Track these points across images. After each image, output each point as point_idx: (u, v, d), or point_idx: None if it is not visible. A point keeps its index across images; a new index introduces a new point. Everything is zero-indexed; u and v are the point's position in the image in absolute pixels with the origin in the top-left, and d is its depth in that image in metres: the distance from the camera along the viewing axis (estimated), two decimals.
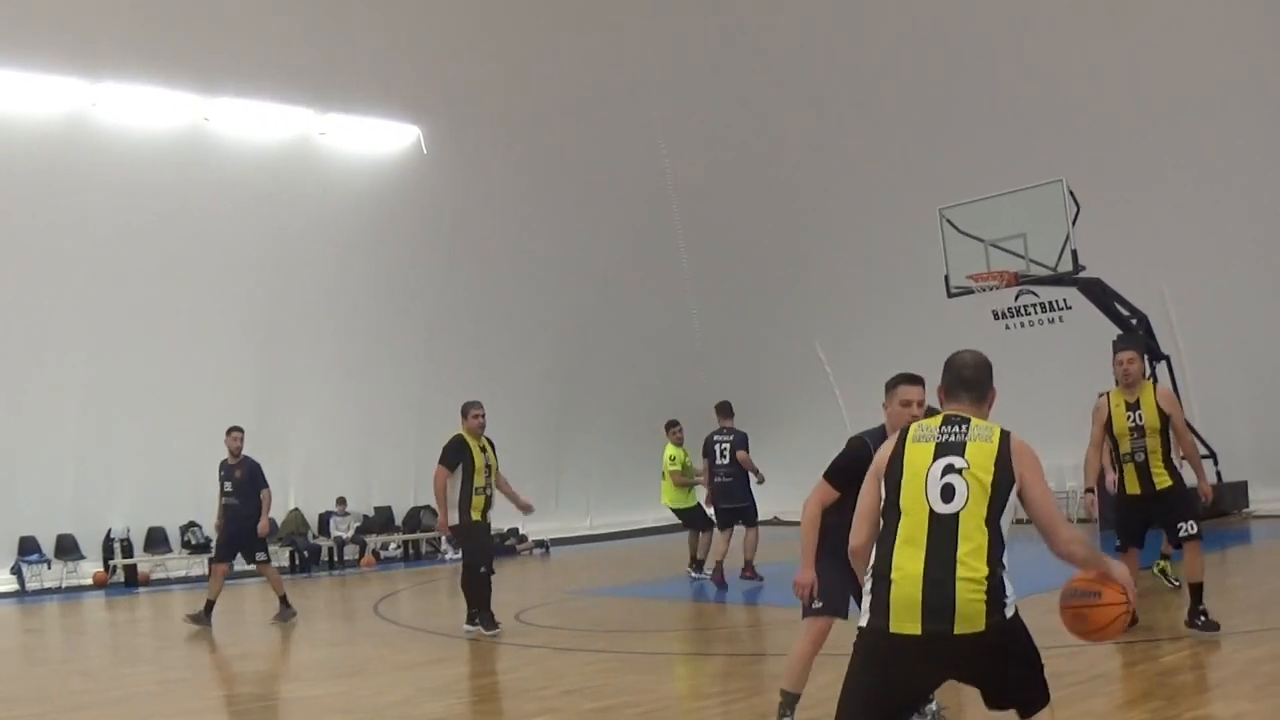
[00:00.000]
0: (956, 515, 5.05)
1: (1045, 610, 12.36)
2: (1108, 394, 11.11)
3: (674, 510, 18.84)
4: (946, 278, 21.37)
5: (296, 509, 24.74)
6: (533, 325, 28.07)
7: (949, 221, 21.40)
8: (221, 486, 16.08)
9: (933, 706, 7.74)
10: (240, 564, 17.00)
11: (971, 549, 4.99)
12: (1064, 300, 24.12)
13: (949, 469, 5.13)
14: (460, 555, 14.75)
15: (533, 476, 24.00)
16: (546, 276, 28.10)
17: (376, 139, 26.69)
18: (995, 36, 24.70)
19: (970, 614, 4.92)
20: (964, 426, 5.29)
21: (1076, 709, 8.10)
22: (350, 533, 24.97)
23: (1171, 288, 22.46)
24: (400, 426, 25.94)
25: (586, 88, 27.11)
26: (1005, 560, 5.09)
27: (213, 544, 23.27)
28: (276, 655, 13.89)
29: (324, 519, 24.80)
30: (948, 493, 5.09)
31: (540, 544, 25.27)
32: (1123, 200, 22.71)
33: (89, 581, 22.13)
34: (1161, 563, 13.58)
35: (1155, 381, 11.21)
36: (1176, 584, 12.90)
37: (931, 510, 5.08)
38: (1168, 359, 21.57)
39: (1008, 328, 25.70)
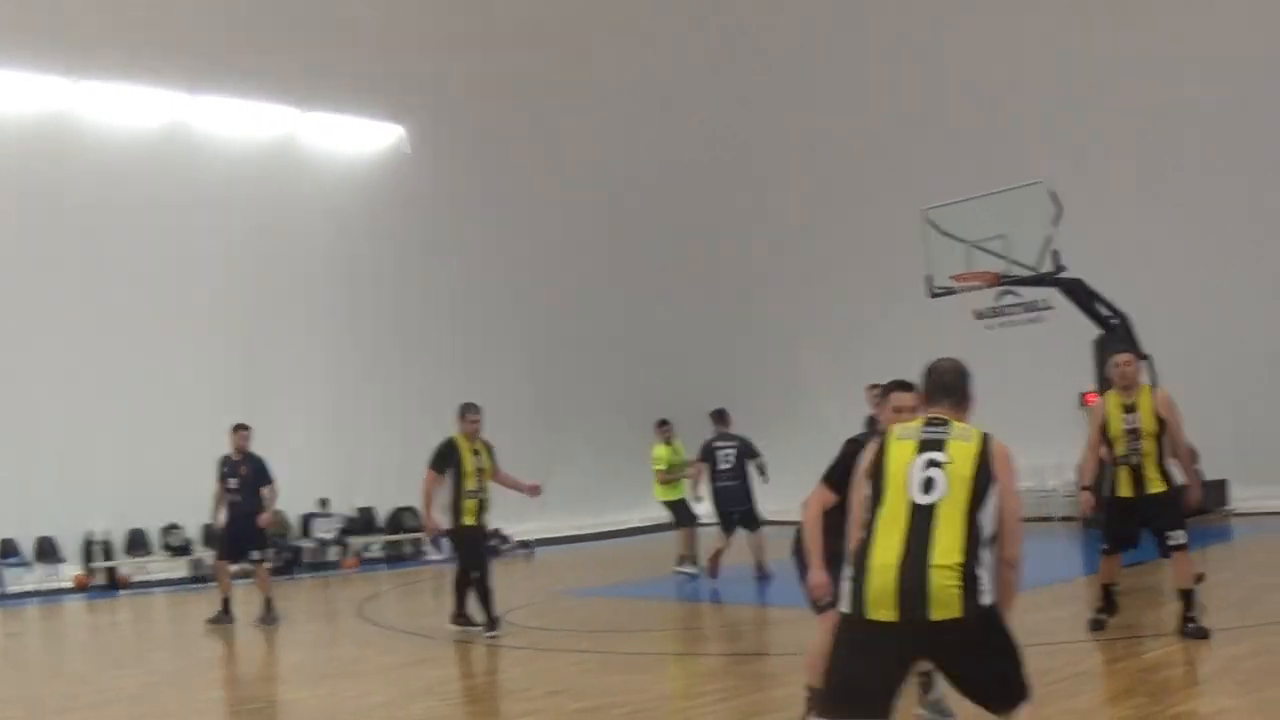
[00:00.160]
0: (935, 506, 5.22)
1: (1027, 608, 12.39)
2: (1105, 395, 11.07)
3: (662, 504, 19.26)
4: (929, 278, 21.40)
5: (279, 510, 24.63)
6: (515, 325, 28.07)
7: (932, 223, 21.44)
8: (225, 483, 16.06)
9: (936, 695, 7.77)
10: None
11: (949, 538, 5.16)
12: (1045, 300, 24.20)
13: (931, 463, 5.32)
14: (445, 556, 14.77)
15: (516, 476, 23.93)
16: (529, 276, 28.11)
17: (360, 138, 26.69)
18: (979, 38, 24.80)
19: (945, 599, 5.06)
20: (945, 427, 5.51)
21: (1060, 706, 8.13)
22: (333, 534, 24.90)
23: (1153, 287, 22.53)
24: (383, 427, 25.89)
25: (568, 88, 27.12)
26: (984, 557, 5.21)
27: (191, 544, 23.44)
28: (260, 658, 13.86)
29: (306, 520, 24.70)
30: (928, 485, 5.27)
31: (524, 544, 25.25)
32: (1105, 201, 22.80)
33: (69, 584, 22.02)
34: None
35: (1154, 385, 11.10)
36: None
37: (912, 501, 5.26)
38: (1149, 359, 21.65)
39: (989, 328, 25.78)
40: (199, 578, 23.21)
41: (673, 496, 19.10)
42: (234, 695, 11.14)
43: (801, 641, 8.65)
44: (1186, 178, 23.04)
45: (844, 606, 5.31)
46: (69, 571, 22.42)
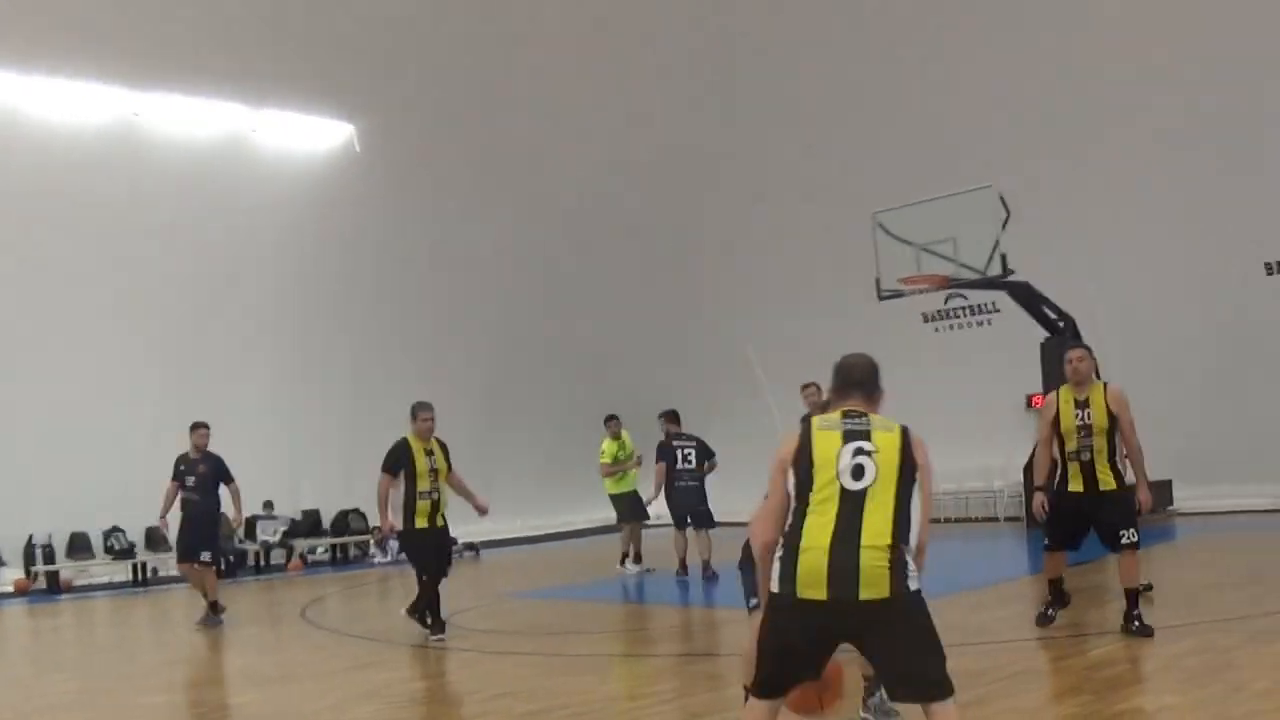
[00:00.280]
0: (865, 491, 5.41)
1: (972, 607, 12.40)
2: (1058, 390, 10.97)
3: (610, 497, 19.34)
4: (878, 281, 21.48)
5: (222, 512, 24.46)
6: (464, 326, 27.99)
7: (881, 225, 21.53)
8: (183, 481, 16.00)
9: (877, 699, 7.77)
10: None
11: (877, 521, 5.35)
12: (993, 303, 24.38)
13: (859, 451, 5.49)
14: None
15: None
16: (478, 277, 28.05)
17: (309, 136, 26.56)
18: (927, 42, 24.90)
19: (874, 579, 5.26)
20: (864, 419, 5.66)
21: (1004, 704, 8.15)
22: (277, 536, 24.75)
23: (1098, 290, 22.70)
24: (329, 429, 25.79)
25: (519, 88, 27.05)
26: (911, 542, 5.41)
27: (134, 547, 23.23)
28: (203, 661, 13.73)
29: (251, 522, 24.49)
30: (858, 472, 5.44)
31: (471, 546, 25.16)
32: (1052, 204, 22.96)
33: (9, 589, 21.82)
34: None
35: (1106, 382, 10.99)
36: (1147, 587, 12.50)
37: (842, 487, 5.43)
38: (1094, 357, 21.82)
39: (937, 330, 25.95)
40: (142, 581, 23.08)
41: (622, 490, 19.32)
42: (176, 700, 11.00)
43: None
44: (1128, 182, 23.24)
45: (774, 586, 5.46)
46: (9, 575, 22.25)
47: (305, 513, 25.94)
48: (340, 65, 25.43)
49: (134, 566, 23.37)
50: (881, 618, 5.28)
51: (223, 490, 16.29)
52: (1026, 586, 14.79)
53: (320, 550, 25.96)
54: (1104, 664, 9.55)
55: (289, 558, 24.80)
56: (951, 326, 25.81)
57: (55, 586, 22.22)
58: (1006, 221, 20.03)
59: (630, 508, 19.35)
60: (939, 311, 25.79)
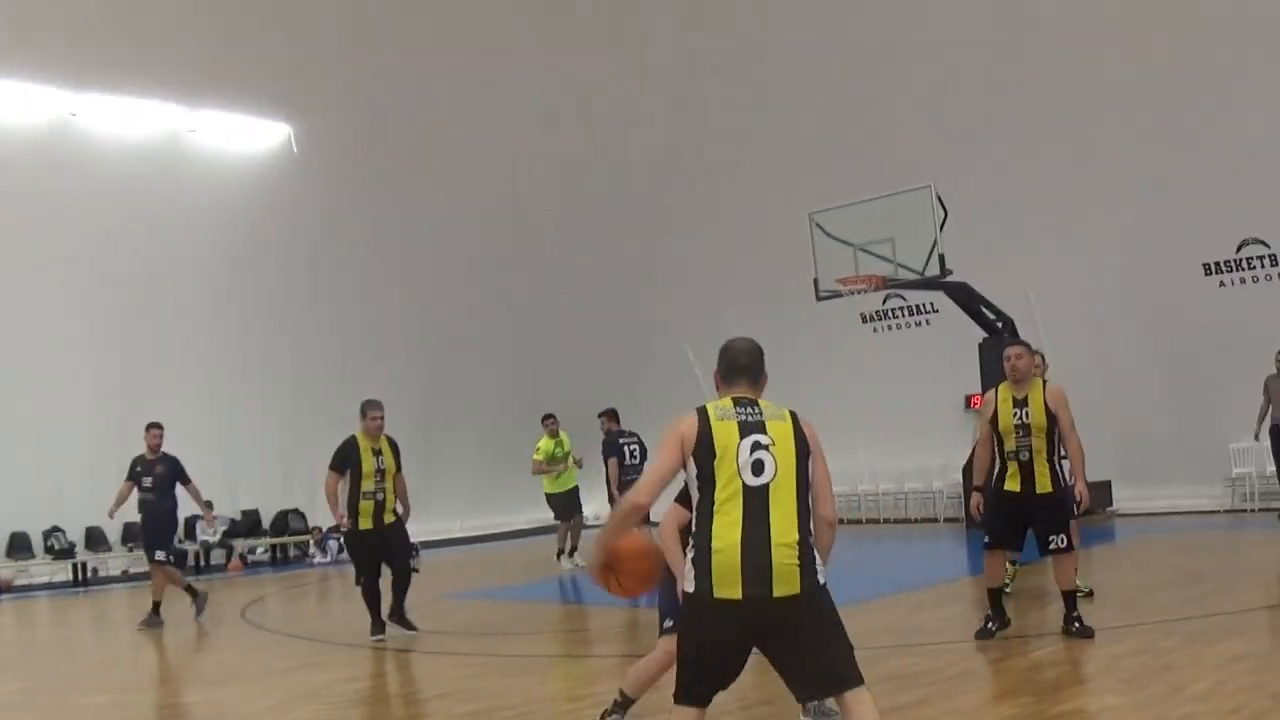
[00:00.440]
0: (767, 487, 5.45)
1: (912, 608, 12.48)
2: (997, 388, 10.80)
3: (546, 495, 19.47)
4: (815, 281, 21.52)
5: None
6: (403, 325, 27.90)
7: (819, 226, 21.57)
8: (139, 482, 16.03)
9: (815, 702, 7.82)
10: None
11: (784, 518, 5.42)
12: (931, 304, 24.51)
13: (756, 445, 5.51)
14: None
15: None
16: (417, 276, 27.95)
17: (247, 137, 26.41)
18: (865, 41, 24.98)
19: (786, 576, 5.32)
20: (755, 407, 5.68)
21: (944, 705, 8.20)
22: (217, 536, 24.61)
23: (1037, 292, 22.87)
24: (268, 428, 25.64)
25: (458, 88, 26.99)
26: (812, 533, 5.52)
27: (74, 547, 23.05)
28: (144, 662, 13.67)
29: (190, 522, 24.26)
30: (758, 467, 5.48)
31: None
32: (991, 206, 23.09)
33: None
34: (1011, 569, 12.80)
35: (1046, 381, 10.89)
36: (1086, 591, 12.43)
37: (744, 484, 5.45)
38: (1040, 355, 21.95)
39: (876, 330, 26.07)
40: (82, 581, 22.93)
41: (558, 489, 19.43)
42: (116, 701, 10.92)
43: None
44: (1066, 184, 23.38)
45: (688, 586, 5.48)
46: None
47: (245, 513, 25.79)
48: (277, 66, 25.31)
49: (74, 566, 23.21)
50: (792, 614, 5.34)
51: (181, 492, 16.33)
52: (966, 587, 14.85)
53: (260, 550, 25.84)
54: (1045, 665, 9.61)
55: (228, 558, 24.68)
56: (890, 327, 25.92)
57: None
58: (944, 222, 20.12)
59: (566, 505, 19.46)
60: (878, 312, 25.90)
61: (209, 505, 17.44)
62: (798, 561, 5.34)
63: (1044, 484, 10.44)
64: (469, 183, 27.87)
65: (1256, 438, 20.57)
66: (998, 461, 10.72)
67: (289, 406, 25.72)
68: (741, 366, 5.90)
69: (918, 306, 25.34)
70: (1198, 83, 21.63)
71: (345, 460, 13.10)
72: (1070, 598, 10.52)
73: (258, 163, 26.53)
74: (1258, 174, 21.35)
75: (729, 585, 5.30)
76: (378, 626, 13.13)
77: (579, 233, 29.20)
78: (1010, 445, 10.52)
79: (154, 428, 16.15)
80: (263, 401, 25.80)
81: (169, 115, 25.00)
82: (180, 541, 23.63)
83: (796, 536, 5.38)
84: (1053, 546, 10.41)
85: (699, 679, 5.49)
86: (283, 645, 13.75)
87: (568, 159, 28.26)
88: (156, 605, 15.72)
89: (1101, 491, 21.79)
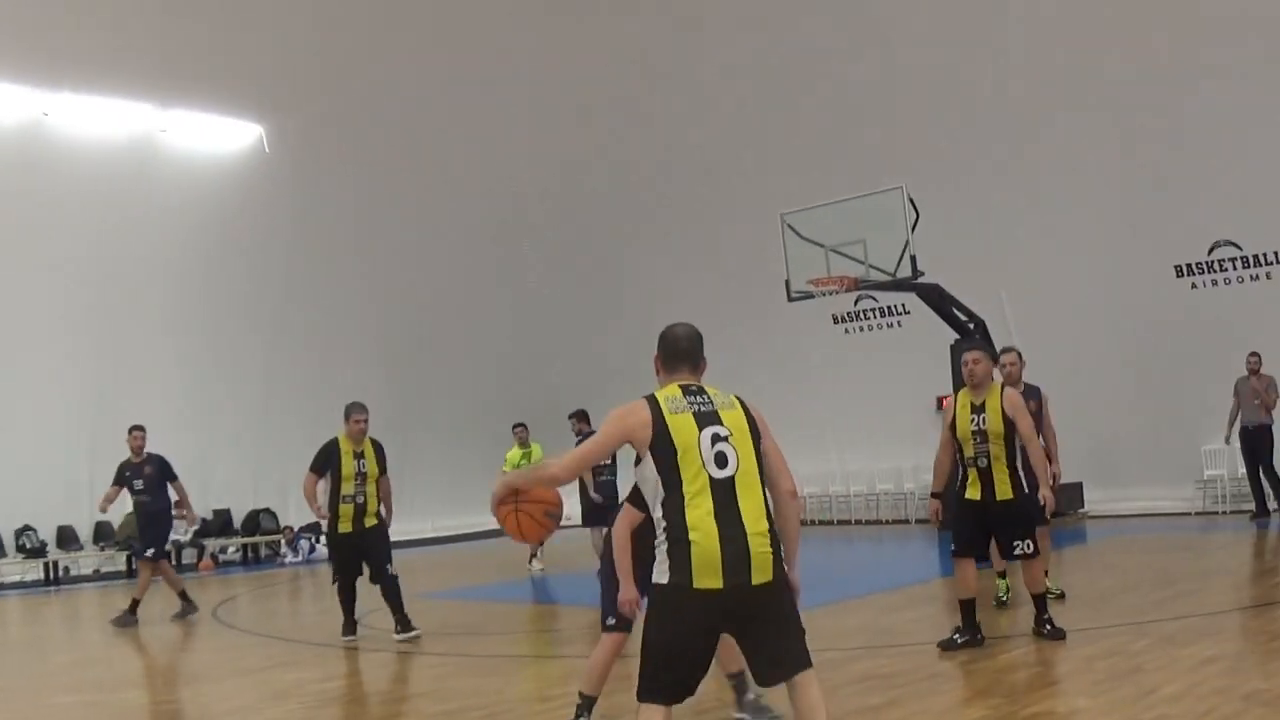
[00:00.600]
0: (733, 478, 5.50)
1: (883, 609, 12.51)
2: (957, 394, 10.69)
3: None
4: (787, 282, 21.52)
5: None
6: (373, 327, 27.88)
7: (790, 226, 21.58)
8: (130, 485, 16.20)
9: (751, 696, 7.87)
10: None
11: (752, 507, 5.49)
12: (903, 305, 24.56)
13: (716, 438, 5.55)
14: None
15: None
16: (387, 277, 27.95)
17: (219, 137, 26.36)
18: (836, 42, 25.03)
19: (762, 564, 5.39)
20: (704, 395, 5.74)
21: (914, 707, 8.22)
22: (188, 536, 24.52)
23: (1009, 293, 22.95)
24: (239, 428, 25.58)
25: (430, 89, 26.98)
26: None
27: (46, 546, 22.95)
28: (116, 662, 13.61)
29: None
30: (721, 459, 5.52)
31: None
32: (962, 207, 23.17)
33: None
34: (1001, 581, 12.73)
35: (1004, 385, 10.74)
36: (1057, 593, 12.41)
37: (710, 477, 5.48)
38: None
39: (847, 331, 26.11)
40: (53, 580, 22.84)
41: None
42: (87, 700, 10.88)
43: None
44: (1039, 186, 23.46)
45: (661, 579, 5.45)
46: None
47: (216, 512, 25.72)
48: (250, 67, 25.30)
49: (45, 565, 23.12)
50: (764, 601, 5.41)
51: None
52: (938, 589, 14.84)
53: (231, 550, 25.78)
54: (1016, 667, 9.61)
55: (200, 557, 24.61)
56: (862, 328, 25.97)
57: None
58: (916, 223, 20.15)
59: None
60: (849, 313, 25.94)
61: (178, 504, 17.41)
62: (770, 549, 5.42)
63: (1004, 491, 10.28)
64: (440, 185, 27.88)
65: (1227, 440, 20.71)
66: (959, 469, 10.62)
67: (260, 406, 25.66)
68: (684, 351, 5.98)
69: (889, 308, 25.40)
70: (1168, 88, 21.73)
71: (325, 462, 13.03)
72: (1041, 600, 10.51)
73: (230, 163, 26.48)
74: (1228, 176, 21.44)
75: (709, 575, 5.31)
76: (349, 627, 13.11)
77: (553, 236, 29.24)
78: (969, 452, 10.40)
79: (136, 430, 16.23)
80: (234, 401, 25.74)
81: (141, 115, 24.96)
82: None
83: (767, 525, 5.46)
84: (1018, 553, 10.35)
85: (667, 671, 5.42)
86: (255, 645, 13.72)
87: (539, 161, 28.35)
88: (135, 603, 15.68)
89: (1072, 493, 21.86)
